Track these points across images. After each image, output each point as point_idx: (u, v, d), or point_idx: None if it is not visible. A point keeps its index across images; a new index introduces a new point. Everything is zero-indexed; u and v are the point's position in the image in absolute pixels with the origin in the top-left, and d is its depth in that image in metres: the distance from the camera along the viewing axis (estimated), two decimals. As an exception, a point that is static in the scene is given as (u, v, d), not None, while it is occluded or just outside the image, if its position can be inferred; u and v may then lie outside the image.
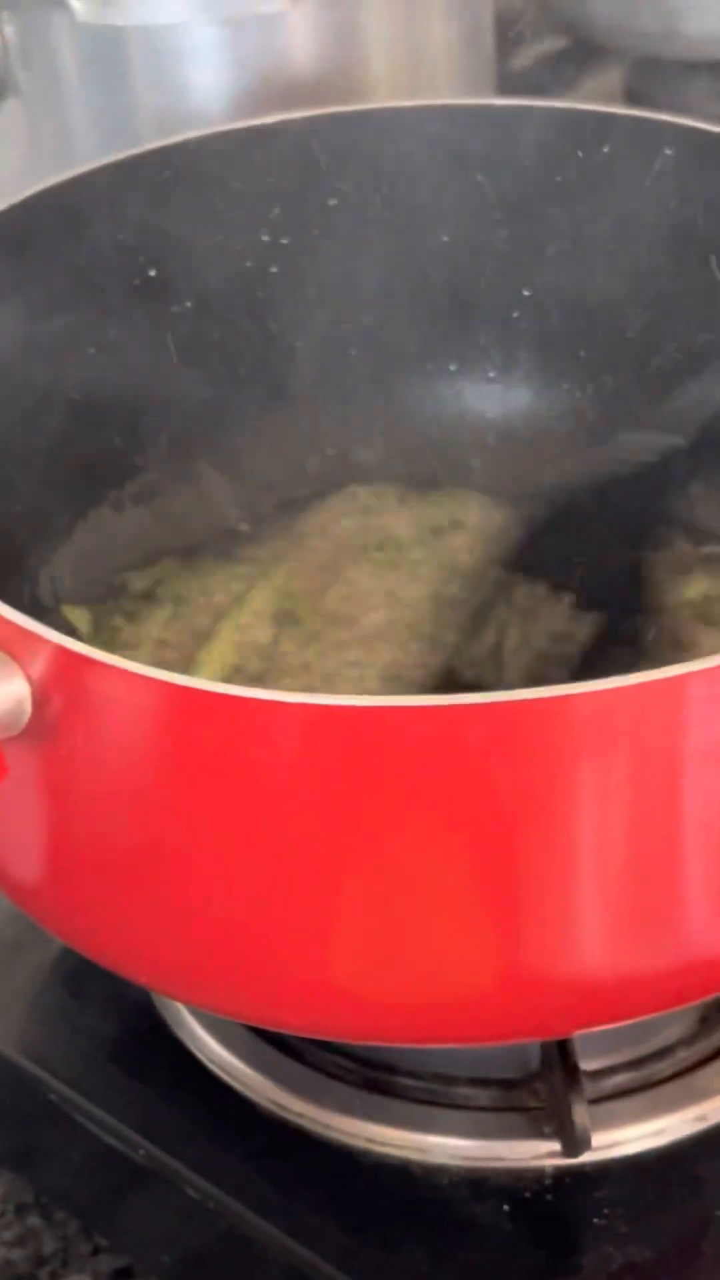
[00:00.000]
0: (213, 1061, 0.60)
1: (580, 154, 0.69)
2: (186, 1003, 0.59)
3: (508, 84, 0.89)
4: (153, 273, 0.69)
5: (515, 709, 0.43)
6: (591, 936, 0.48)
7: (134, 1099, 0.60)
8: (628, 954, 0.48)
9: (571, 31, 1.04)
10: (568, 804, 0.45)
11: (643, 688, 0.43)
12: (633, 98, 1.01)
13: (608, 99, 1.01)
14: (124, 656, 0.44)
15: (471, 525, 0.71)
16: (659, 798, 0.45)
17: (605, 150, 0.68)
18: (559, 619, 0.66)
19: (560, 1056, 0.55)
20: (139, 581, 0.70)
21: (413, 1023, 0.50)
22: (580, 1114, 0.54)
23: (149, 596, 0.70)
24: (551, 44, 1.04)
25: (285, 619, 0.68)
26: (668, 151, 0.67)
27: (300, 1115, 0.58)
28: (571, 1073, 0.55)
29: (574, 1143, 0.54)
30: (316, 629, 0.67)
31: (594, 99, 0.94)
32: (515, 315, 0.73)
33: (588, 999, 0.49)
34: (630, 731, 0.44)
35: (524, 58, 1.00)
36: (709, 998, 0.54)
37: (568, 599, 0.66)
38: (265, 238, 0.71)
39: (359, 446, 0.75)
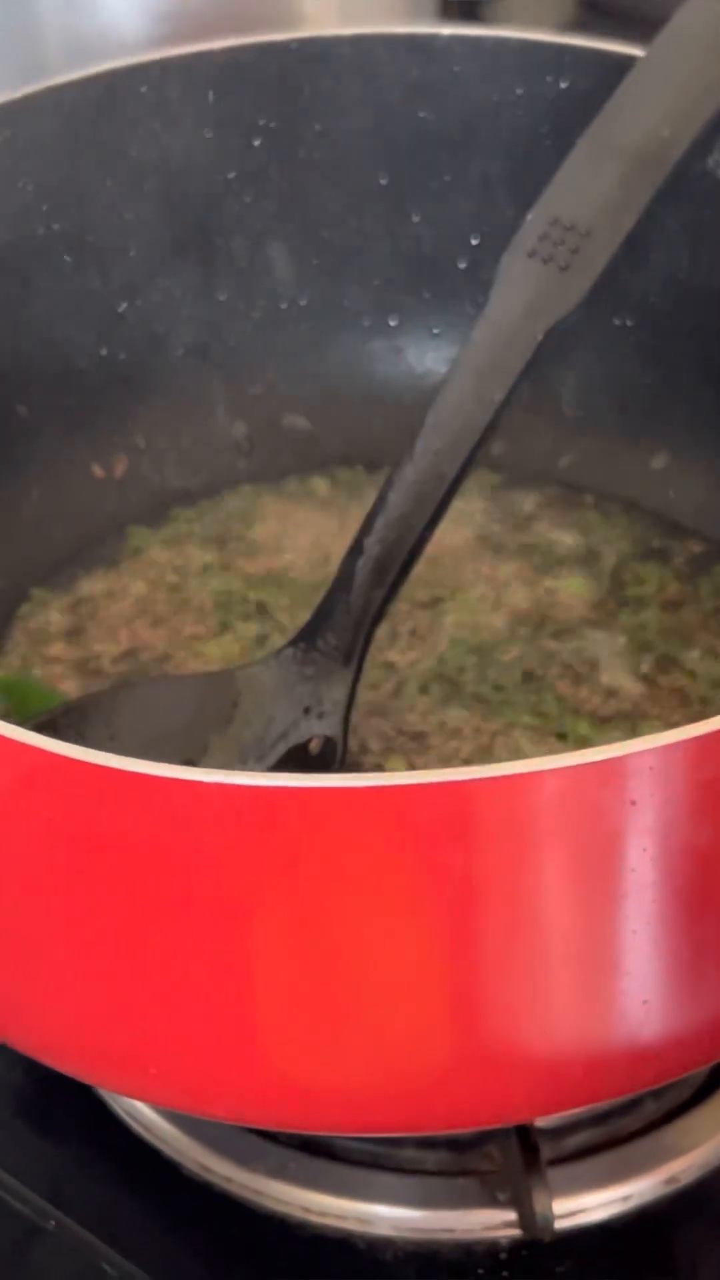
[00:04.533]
0: (133, 1118, 0.54)
1: (532, 88, 0.62)
2: (104, 1088, 0.53)
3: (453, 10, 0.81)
4: (57, 226, 0.62)
5: (464, 789, 0.37)
6: (549, 1019, 0.42)
7: (43, 1160, 0.54)
8: (587, 1036, 0.42)
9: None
10: (520, 884, 0.39)
11: (596, 765, 0.37)
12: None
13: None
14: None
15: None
16: (610, 876, 0.39)
17: (562, 85, 0.61)
18: None
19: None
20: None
21: (354, 1112, 0.44)
22: (541, 1200, 0.48)
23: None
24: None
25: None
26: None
27: (229, 1180, 0.53)
28: (529, 1145, 0.49)
29: (534, 1226, 0.49)
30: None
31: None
32: (462, 265, 0.66)
33: (546, 1083, 0.43)
34: (582, 809, 0.38)
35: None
36: (675, 1079, 0.48)
37: None
38: (184, 177, 0.64)
39: (290, 412, 0.68)
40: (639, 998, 0.42)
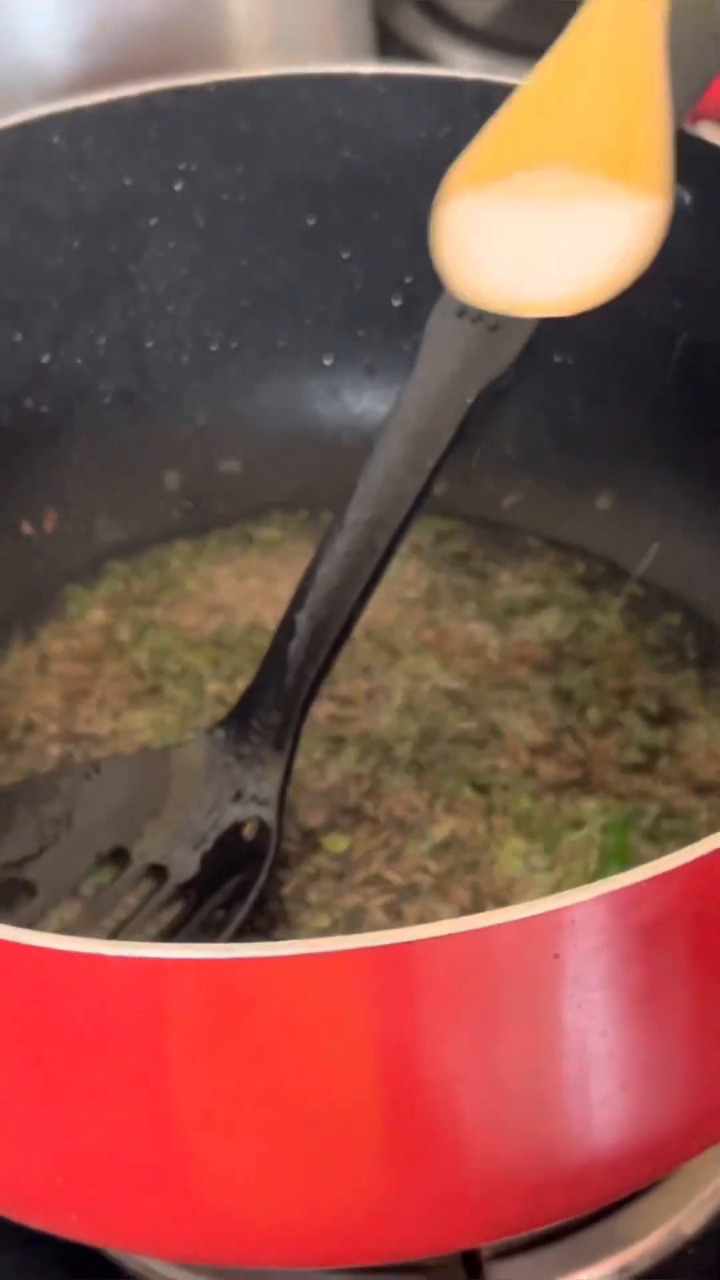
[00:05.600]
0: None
1: (459, 125, 0.60)
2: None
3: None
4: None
5: (383, 954, 0.36)
6: (490, 1156, 0.41)
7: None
8: (530, 1169, 0.41)
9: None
10: (448, 1038, 0.38)
11: (517, 924, 0.36)
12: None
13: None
14: None
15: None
16: (542, 1024, 0.38)
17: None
18: None
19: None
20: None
21: (290, 1247, 0.43)
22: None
23: None
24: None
25: None
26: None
27: (171, 1280, 0.52)
28: (469, 1257, 0.48)
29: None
30: None
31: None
32: (396, 303, 0.64)
33: (491, 1213, 0.42)
34: (505, 967, 0.37)
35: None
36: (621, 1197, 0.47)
37: None
38: (104, 225, 0.62)
39: (225, 457, 0.66)
40: (576, 1133, 0.41)
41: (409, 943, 0.36)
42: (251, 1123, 0.39)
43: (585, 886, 0.36)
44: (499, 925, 0.36)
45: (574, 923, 0.36)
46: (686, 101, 0.54)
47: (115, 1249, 0.49)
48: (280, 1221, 0.41)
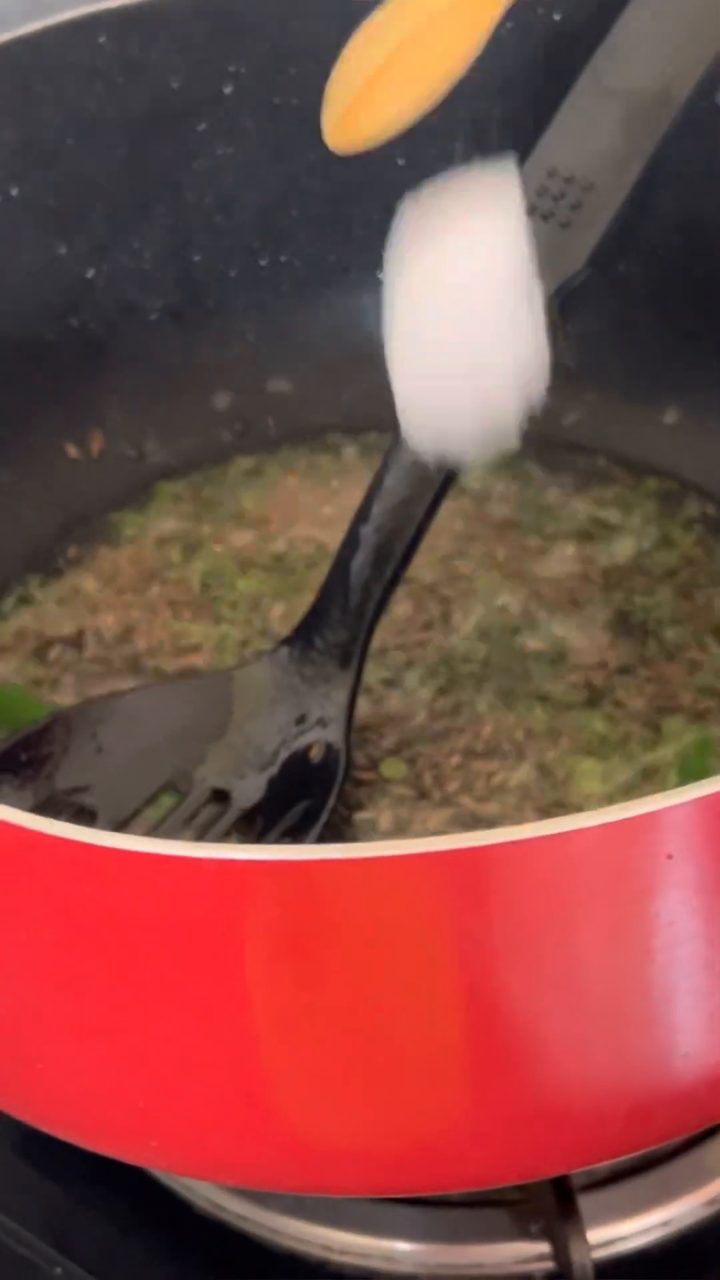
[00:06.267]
0: (138, 1153, 0.51)
1: (521, 21, 0.57)
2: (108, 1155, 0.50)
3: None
4: (15, 191, 0.57)
5: (477, 856, 0.33)
6: (583, 1075, 0.39)
7: (46, 1201, 0.51)
8: (623, 1091, 0.39)
9: None
10: (545, 945, 0.36)
11: (627, 823, 0.33)
12: None
13: None
14: None
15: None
16: (644, 931, 0.36)
17: (555, 17, 0.57)
18: None
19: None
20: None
21: (373, 1175, 0.41)
22: (578, 1248, 0.45)
23: None
24: None
25: None
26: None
27: (243, 1219, 0.50)
28: (561, 1184, 0.46)
29: (570, 1273, 0.46)
30: None
31: None
32: (453, 213, 0.62)
33: (581, 1138, 0.40)
34: (611, 867, 0.34)
35: None
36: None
37: None
38: (151, 131, 0.59)
39: (275, 378, 0.64)
40: (679, 1051, 0.39)
41: (502, 844, 0.33)
42: (331, 1038, 0.37)
43: (693, 785, 0.34)
44: (601, 825, 0.34)
45: (688, 820, 0.34)
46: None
47: (195, 1178, 0.48)
48: (360, 1145, 0.39)
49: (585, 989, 0.37)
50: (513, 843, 0.34)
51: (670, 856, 0.35)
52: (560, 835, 0.34)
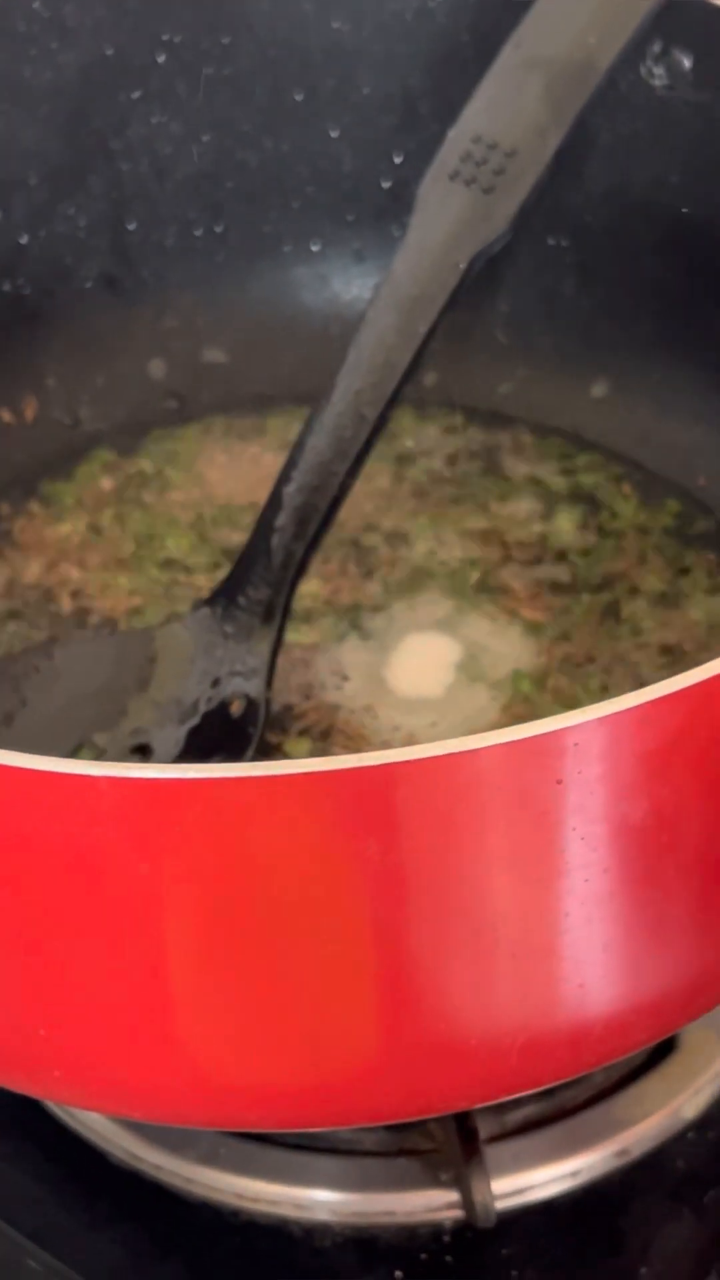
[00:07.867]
0: (55, 1103, 0.51)
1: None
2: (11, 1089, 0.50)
3: None
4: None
5: (379, 774, 0.34)
6: (480, 1007, 0.39)
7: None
8: (521, 1023, 0.40)
9: None
10: (444, 871, 0.36)
11: (520, 744, 0.34)
12: None
13: None
14: None
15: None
16: (541, 858, 0.37)
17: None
18: None
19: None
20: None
21: (279, 1107, 0.41)
22: (480, 1189, 0.46)
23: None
24: None
25: None
26: None
27: (158, 1168, 0.50)
28: (466, 1129, 0.47)
29: (474, 1215, 0.46)
30: None
31: None
32: (386, 185, 0.62)
33: (480, 1072, 0.41)
34: (507, 791, 0.35)
35: None
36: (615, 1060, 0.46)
37: None
38: (85, 98, 0.60)
39: (210, 346, 0.64)
40: (575, 982, 0.39)
41: (404, 762, 0.34)
42: (238, 965, 0.38)
43: (589, 708, 0.35)
44: (496, 746, 0.34)
45: (577, 745, 0.35)
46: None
47: (98, 1111, 0.48)
48: (265, 1078, 0.40)
49: (483, 916, 0.37)
50: (413, 761, 0.34)
51: (560, 782, 0.35)
52: (458, 754, 0.34)
